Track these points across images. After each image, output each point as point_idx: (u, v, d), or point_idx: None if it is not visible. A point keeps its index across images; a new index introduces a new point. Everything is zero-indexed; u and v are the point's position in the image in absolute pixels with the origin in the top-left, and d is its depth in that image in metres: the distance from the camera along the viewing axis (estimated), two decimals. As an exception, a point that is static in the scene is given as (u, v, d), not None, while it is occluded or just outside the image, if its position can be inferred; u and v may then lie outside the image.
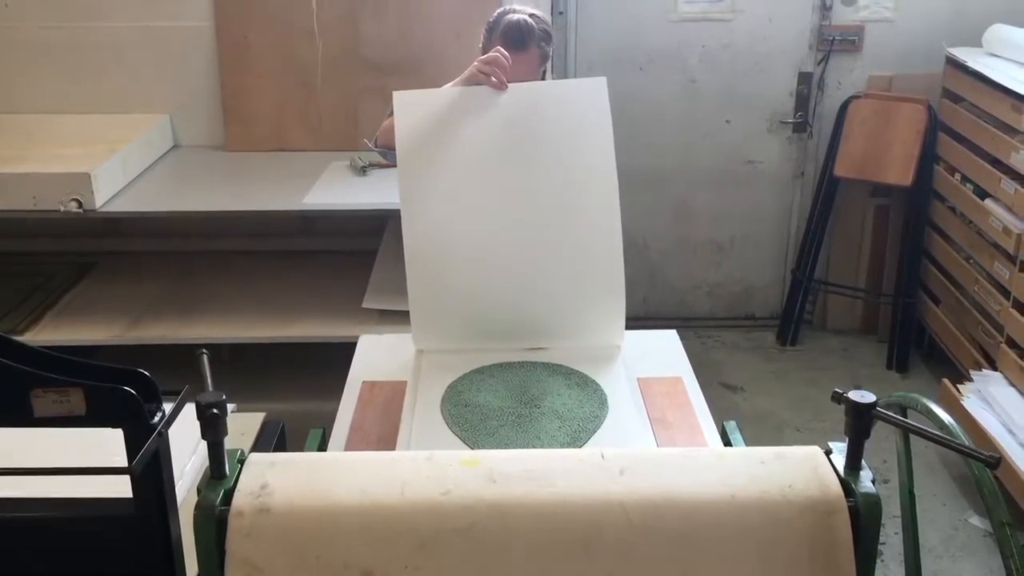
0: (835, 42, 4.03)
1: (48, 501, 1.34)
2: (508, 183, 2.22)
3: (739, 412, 3.68)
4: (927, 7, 3.97)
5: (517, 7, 2.47)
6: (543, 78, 2.52)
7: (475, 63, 2.27)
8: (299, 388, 3.09)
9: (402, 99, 2.24)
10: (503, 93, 2.23)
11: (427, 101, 2.26)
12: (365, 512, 1.30)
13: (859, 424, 1.35)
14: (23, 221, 3.24)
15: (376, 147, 2.57)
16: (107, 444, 1.30)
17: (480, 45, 2.47)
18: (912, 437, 1.74)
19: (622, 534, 1.30)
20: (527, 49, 2.38)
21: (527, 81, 2.38)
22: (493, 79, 2.22)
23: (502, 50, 2.27)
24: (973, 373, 3.36)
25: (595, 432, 1.92)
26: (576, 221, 2.22)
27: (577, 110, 2.24)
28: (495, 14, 2.46)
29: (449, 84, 2.34)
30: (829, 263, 4.32)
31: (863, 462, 1.37)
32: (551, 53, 2.50)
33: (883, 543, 2.89)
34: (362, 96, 3.57)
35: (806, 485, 1.33)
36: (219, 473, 1.34)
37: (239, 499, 1.31)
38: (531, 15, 2.43)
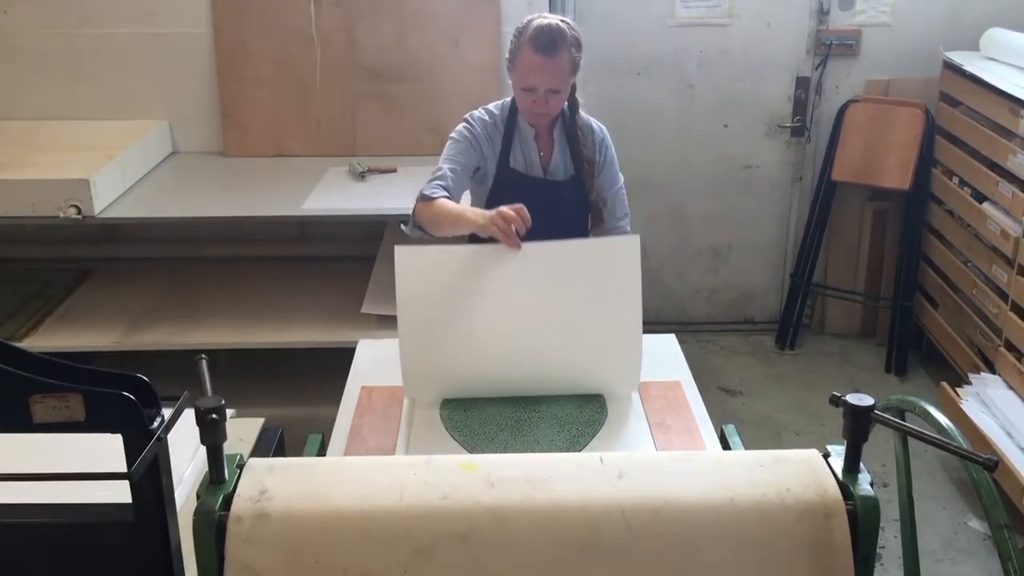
0: (832, 46, 4.03)
1: (47, 507, 1.34)
2: (520, 346, 2.04)
3: (738, 416, 3.68)
4: (924, 11, 3.98)
5: (547, 13, 2.34)
6: (573, 90, 2.36)
7: (494, 214, 2.02)
8: (298, 393, 3.10)
9: (404, 256, 2.00)
10: (516, 253, 2.01)
11: (431, 260, 2.04)
12: (364, 517, 1.30)
13: (857, 427, 1.35)
14: (22, 227, 3.25)
15: (411, 230, 2.31)
16: (106, 450, 1.30)
17: (508, 51, 2.32)
18: (911, 440, 1.75)
19: (620, 538, 1.30)
20: (557, 54, 2.23)
21: (557, 91, 2.25)
22: (508, 238, 1.99)
23: (524, 210, 2.02)
24: (971, 376, 3.36)
25: (594, 436, 1.93)
26: (597, 376, 2.10)
27: (606, 271, 2.04)
28: (524, 20, 2.31)
29: (463, 214, 2.13)
30: (827, 267, 4.32)
31: (861, 465, 1.37)
32: (581, 63, 2.32)
33: (882, 546, 2.89)
34: (360, 102, 3.58)
35: (804, 489, 1.34)
36: (218, 478, 1.34)
37: (238, 504, 1.31)
38: (562, 20, 2.30)
